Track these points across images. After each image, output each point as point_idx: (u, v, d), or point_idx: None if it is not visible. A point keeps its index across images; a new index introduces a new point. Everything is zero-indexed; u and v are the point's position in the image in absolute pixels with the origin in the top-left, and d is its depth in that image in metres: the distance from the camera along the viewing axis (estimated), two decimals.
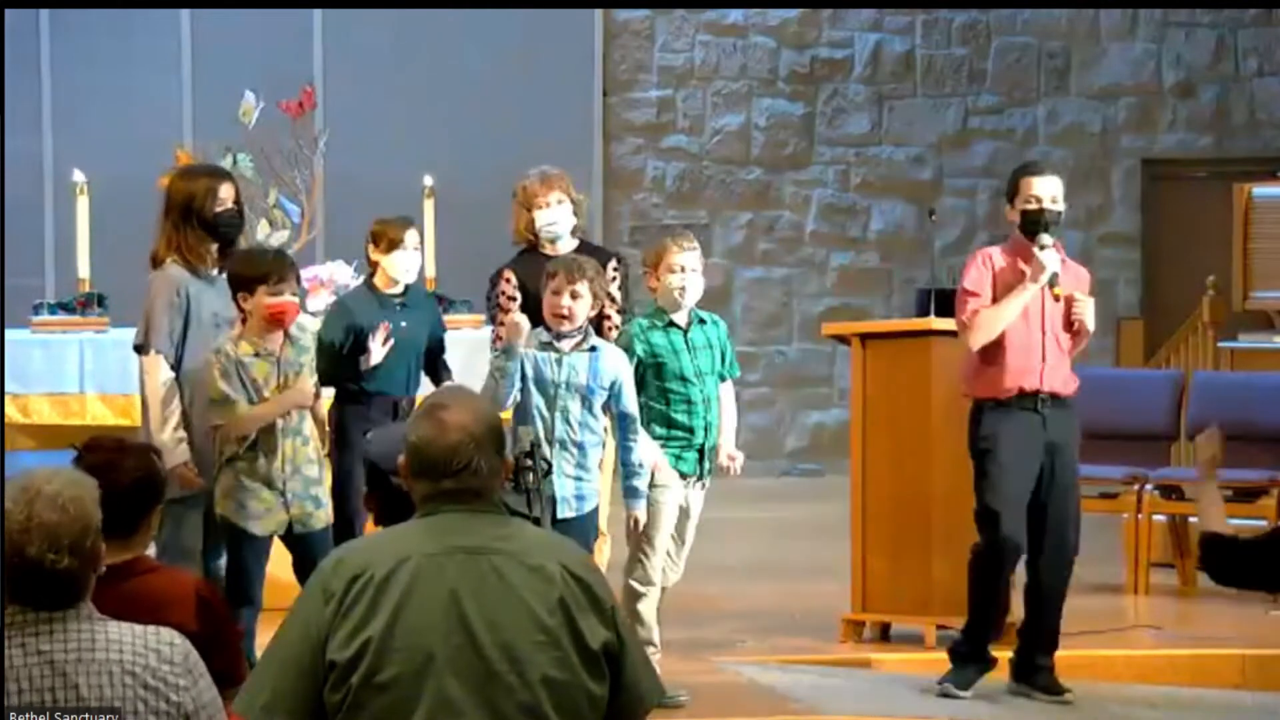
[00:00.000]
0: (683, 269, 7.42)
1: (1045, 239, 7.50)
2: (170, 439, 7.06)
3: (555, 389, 7.06)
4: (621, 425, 7.19)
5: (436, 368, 7.93)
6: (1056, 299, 7.47)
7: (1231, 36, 15.01)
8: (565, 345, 7.11)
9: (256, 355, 7.03)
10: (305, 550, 6.99)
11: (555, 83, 14.41)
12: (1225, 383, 10.67)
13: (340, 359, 7.64)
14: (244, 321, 7.11)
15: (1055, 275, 7.44)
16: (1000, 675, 7.68)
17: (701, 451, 7.43)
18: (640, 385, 7.34)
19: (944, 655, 7.85)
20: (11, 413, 8.69)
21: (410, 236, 7.86)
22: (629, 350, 7.37)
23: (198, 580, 4.97)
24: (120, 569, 4.68)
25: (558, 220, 8.13)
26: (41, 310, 9.15)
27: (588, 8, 14.54)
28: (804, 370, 14.63)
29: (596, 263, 7.43)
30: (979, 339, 7.48)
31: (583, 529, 7.08)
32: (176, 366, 7.23)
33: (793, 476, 14.43)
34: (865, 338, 8.53)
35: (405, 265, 7.82)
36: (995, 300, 7.47)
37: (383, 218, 7.93)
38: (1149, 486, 9.82)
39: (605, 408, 7.18)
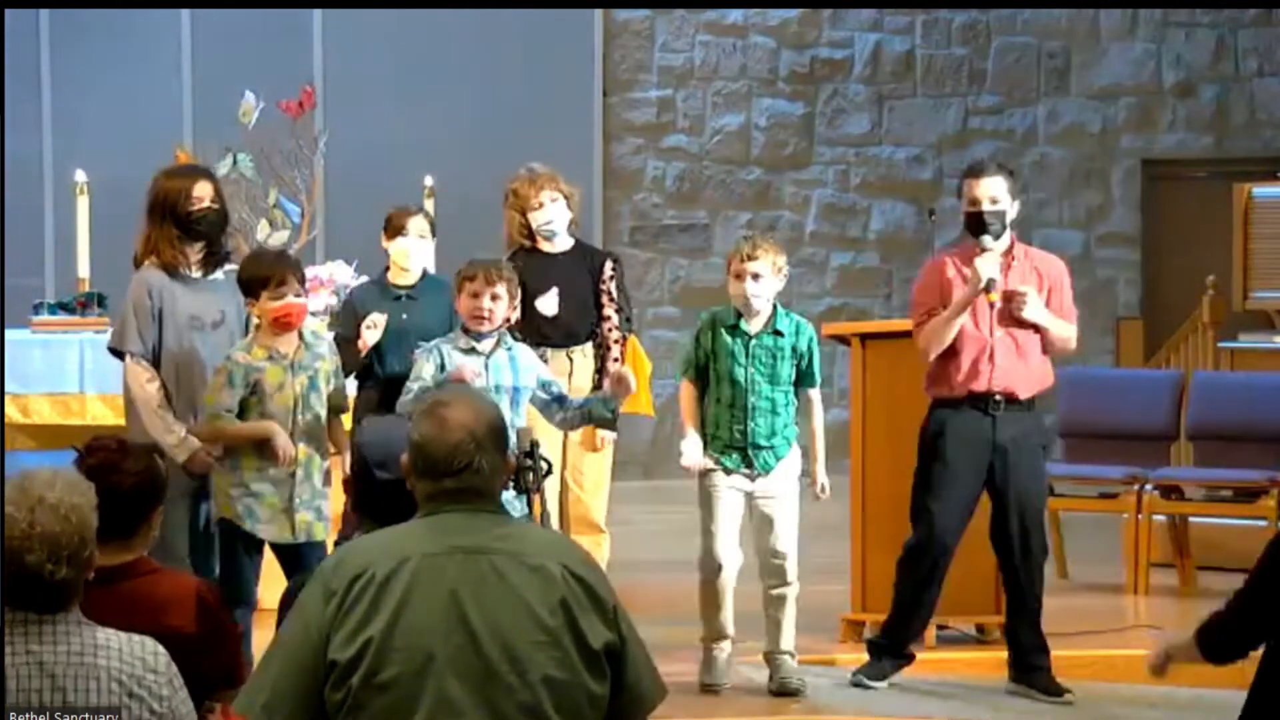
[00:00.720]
0: (745, 276, 7.45)
1: (987, 241, 7.50)
2: (173, 439, 7.03)
3: (486, 392, 7.07)
4: (564, 401, 7.21)
5: None
6: (992, 305, 7.47)
7: (1231, 36, 15.00)
8: (485, 346, 7.10)
9: (270, 359, 7.01)
10: (297, 560, 6.93)
11: (555, 83, 14.40)
12: (1225, 383, 10.66)
13: (349, 350, 7.66)
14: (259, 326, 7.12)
15: (991, 281, 7.43)
16: (1001, 676, 7.69)
17: (744, 451, 7.45)
18: (704, 379, 7.46)
19: (945, 655, 7.87)
20: (11, 413, 8.69)
21: (414, 224, 7.86)
22: (693, 343, 7.45)
23: (198, 582, 4.97)
24: (121, 570, 4.68)
25: (554, 218, 8.14)
26: (41, 310, 9.15)
27: (588, 8, 14.53)
28: None
29: (510, 264, 7.40)
30: (928, 350, 7.55)
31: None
32: (156, 367, 7.19)
33: None
34: (865, 338, 8.53)
35: (405, 251, 7.82)
36: (946, 305, 7.51)
37: (396, 205, 7.97)
38: (1149, 486, 9.81)
39: (547, 405, 7.20)
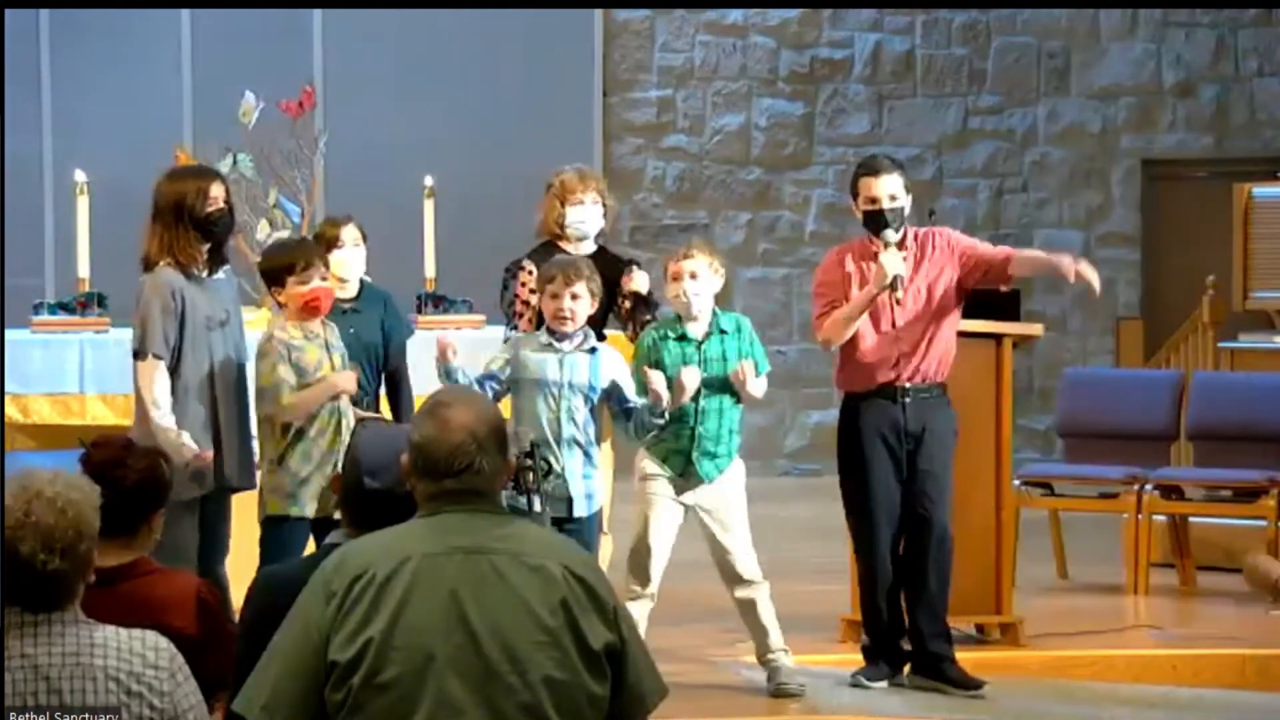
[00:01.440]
0: (681, 276, 7.45)
1: (890, 236, 7.53)
2: (175, 442, 7.04)
3: (560, 389, 7.08)
4: (631, 412, 7.22)
5: (394, 375, 7.86)
6: (899, 303, 7.50)
7: (1231, 36, 15.01)
8: (567, 346, 7.14)
9: (306, 338, 7.09)
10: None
11: (555, 83, 14.40)
12: (1225, 383, 10.66)
13: None
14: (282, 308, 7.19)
15: (898, 279, 7.45)
16: (1003, 676, 7.69)
17: (688, 457, 7.45)
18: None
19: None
20: (11, 413, 8.68)
21: (347, 233, 7.86)
22: (641, 360, 7.43)
23: (199, 582, 4.97)
24: (121, 570, 4.68)
25: (587, 219, 8.14)
26: (41, 310, 9.15)
27: (588, 8, 14.53)
28: (804, 370, 14.63)
29: (590, 262, 7.44)
30: (829, 341, 7.60)
31: (592, 527, 7.20)
32: (174, 368, 7.19)
33: (793, 476, 14.44)
34: None
35: (345, 262, 7.80)
36: (847, 299, 7.53)
37: (323, 219, 7.94)
38: (1149, 486, 9.81)
39: (615, 416, 7.24)
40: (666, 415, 7.21)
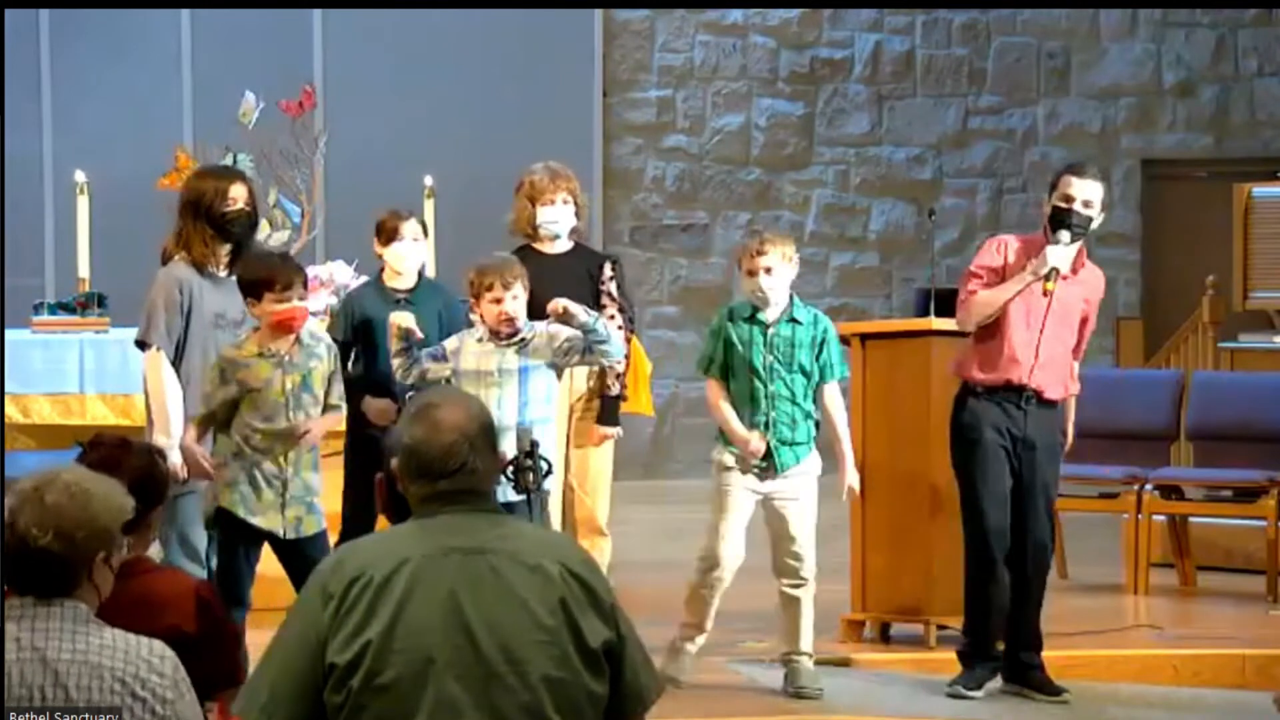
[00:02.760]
0: (757, 271, 7.45)
1: (1064, 236, 7.47)
2: (166, 440, 7.05)
3: (494, 376, 7.09)
4: (582, 337, 7.20)
5: None
6: (1045, 294, 7.46)
7: (1231, 36, 15.01)
8: (506, 345, 7.15)
9: (260, 355, 7.03)
10: (299, 558, 6.94)
11: (555, 83, 14.41)
12: (1225, 383, 10.66)
13: (348, 355, 7.67)
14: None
15: (1055, 270, 7.42)
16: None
17: (767, 446, 7.44)
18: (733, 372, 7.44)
19: (944, 655, 7.86)
20: (11, 413, 8.69)
21: (408, 228, 7.88)
22: (711, 336, 7.47)
23: (197, 581, 4.97)
24: (120, 568, 4.68)
25: (559, 219, 8.14)
26: (41, 310, 9.15)
27: (588, 8, 14.54)
28: None
29: (514, 257, 7.44)
30: (970, 320, 7.51)
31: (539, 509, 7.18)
32: (176, 363, 7.23)
33: None
34: (865, 338, 8.53)
35: (400, 256, 7.84)
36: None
37: (384, 210, 7.97)
38: (1149, 486, 9.81)
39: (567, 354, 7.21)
40: (591, 322, 7.12)
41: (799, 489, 7.49)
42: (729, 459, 7.47)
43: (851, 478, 7.58)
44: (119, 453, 4.78)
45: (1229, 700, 7.87)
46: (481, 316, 7.17)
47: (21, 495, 3.77)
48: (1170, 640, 8.58)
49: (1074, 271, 7.54)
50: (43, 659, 3.73)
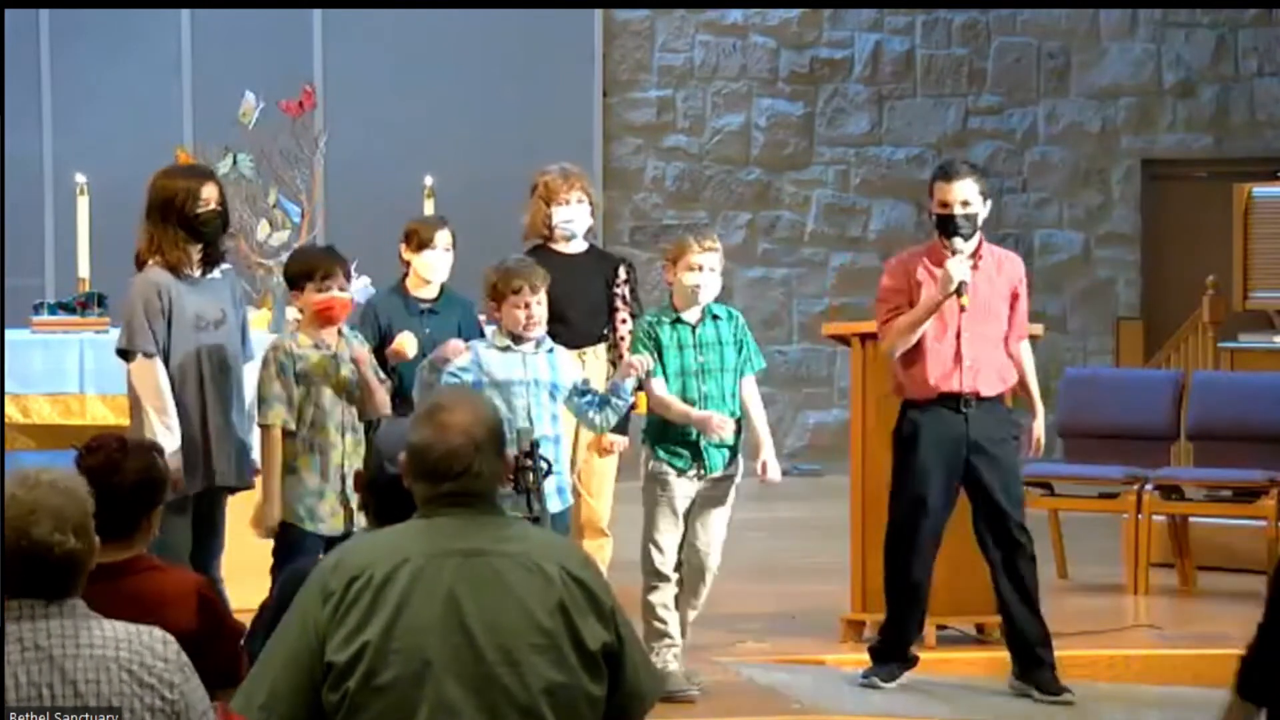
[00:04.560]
0: (701, 268, 7.41)
1: (959, 243, 7.51)
2: (174, 431, 7.06)
3: (525, 387, 7.08)
4: (597, 401, 7.27)
5: None
6: (962, 309, 7.48)
7: (1231, 36, 15.01)
8: (528, 347, 7.15)
9: (315, 347, 7.09)
10: None
11: (555, 83, 14.41)
12: (1225, 383, 10.66)
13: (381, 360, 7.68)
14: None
15: (963, 284, 7.44)
16: (1002, 676, 7.69)
17: (695, 448, 7.43)
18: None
19: (944, 655, 7.86)
20: (11, 413, 8.68)
21: (441, 237, 7.89)
22: (640, 345, 7.41)
23: (199, 579, 4.97)
24: (121, 567, 4.68)
25: (575, 219, 8.15)
26: (41, 310, 9.14)
27: (588, 8, 14.54)
28: (804, 370, 14.63)
29: (533, 260, 7.42)
30: (895, 347, 7.55)
31: (565, 522, 7.20)
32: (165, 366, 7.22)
33: (793, 476, 14.42)
34: (865, 338, 8.52)
35: (431, 265, 7.84)
36: (913, 305, 7.51)
37: (417, 217, 7.99)
38: (1149, 486, 9.81)
39: (582, 410, 7.25)
40: (632, 396, 7.15)
41: (725, 492, 7.51)
42: (668, 469, 7.43)
43: (773, 466, 7.54)
44: (118, 455, 4.78)
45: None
46: (502, 320, 7.16)
47: (26, 506, 3.74)
48: (1170, 640, 8.58)
49: (975, 268, 7.54)
50: (49, 656, 3.73)
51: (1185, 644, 8.48)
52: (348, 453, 7.08)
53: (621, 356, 8.19)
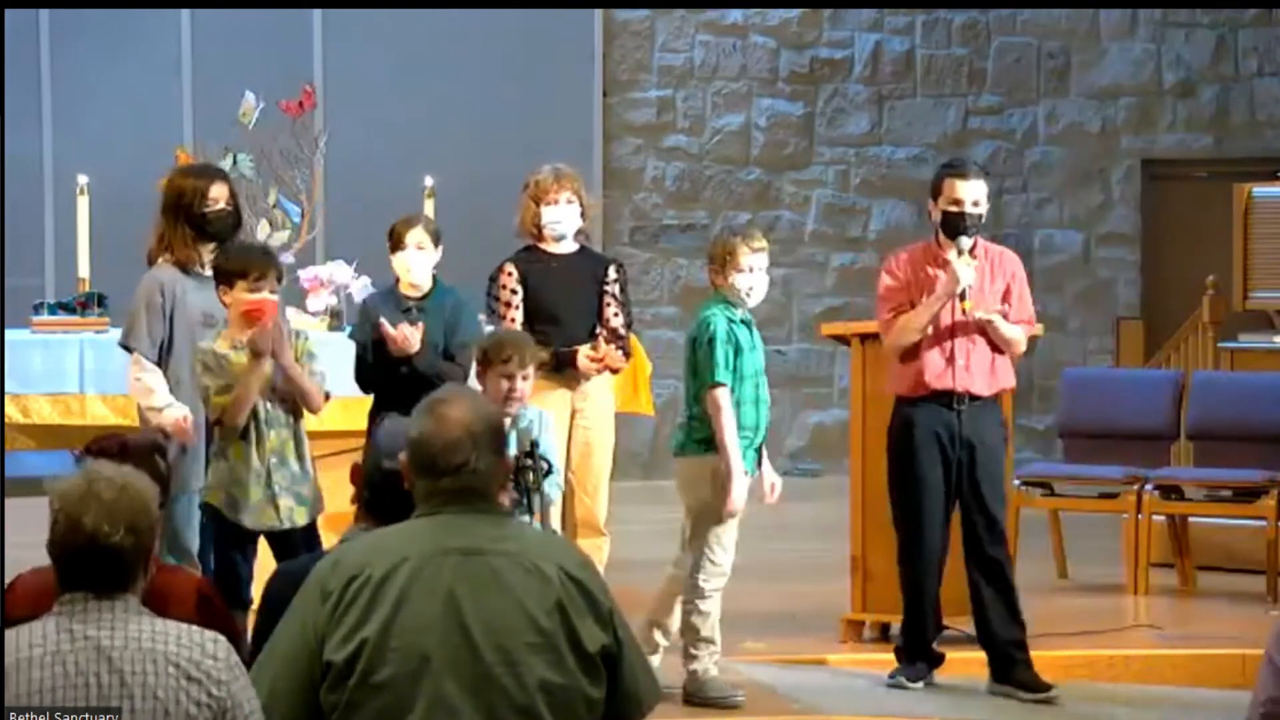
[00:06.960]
0: (751, 269, 7.37)
1: (964, 242, 7.52)
2: (163, 416, 7.12)
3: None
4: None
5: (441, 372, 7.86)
6: (964, 313, 7.48)
7: (1231, 36, 15.01)
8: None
9: (234, 348, 7.02)
10: (288, 547, 6.93)
11: (555, 83, 14.40)
12: (1225, 383, 10.66)
13: (366, 362, 7.66)
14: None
15: (969, 288, 7.45)
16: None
17: (760, 450, 7.47)
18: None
19: (943, 654, 7.85)
20: (11, 413, 8.68)
21: (412, 235, 7.80)
22: (714, 333, 7.30)
23: (199, 579, 4.98)
24: None
25: (563, 220, 8.13)
26: (41, 310, 9.15)
27: (588, 8, 14.53)
28: (804, 370, 14.63)
29: (531, 337, 7.32)
30: (897, 344, 7.57)
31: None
32: (163, 365, 7.27)
33: (793, 476, 14.42)
34: (865, 338, 8.53)
35: (405, 265, 7.81)
36: (915, 302, 7.52)
37: (401, 216, 7.94)
38: (1149, 486, 9.81)
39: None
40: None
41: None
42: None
43: (778, 485, 7.71)
44: (118, 457, 4.78)
45: (1229, 700, 7.86)
46: (485, 388, 6.88)
47: (76, 494, 3.75)
48: (1170, 640, 8.58)
49: (990, 272, 7.58)
50: (97, 646, 3.73)
51: (1185, 644, 8.48)
52: (274, 448, 7.00)
53: (613, 340, 8.16)
